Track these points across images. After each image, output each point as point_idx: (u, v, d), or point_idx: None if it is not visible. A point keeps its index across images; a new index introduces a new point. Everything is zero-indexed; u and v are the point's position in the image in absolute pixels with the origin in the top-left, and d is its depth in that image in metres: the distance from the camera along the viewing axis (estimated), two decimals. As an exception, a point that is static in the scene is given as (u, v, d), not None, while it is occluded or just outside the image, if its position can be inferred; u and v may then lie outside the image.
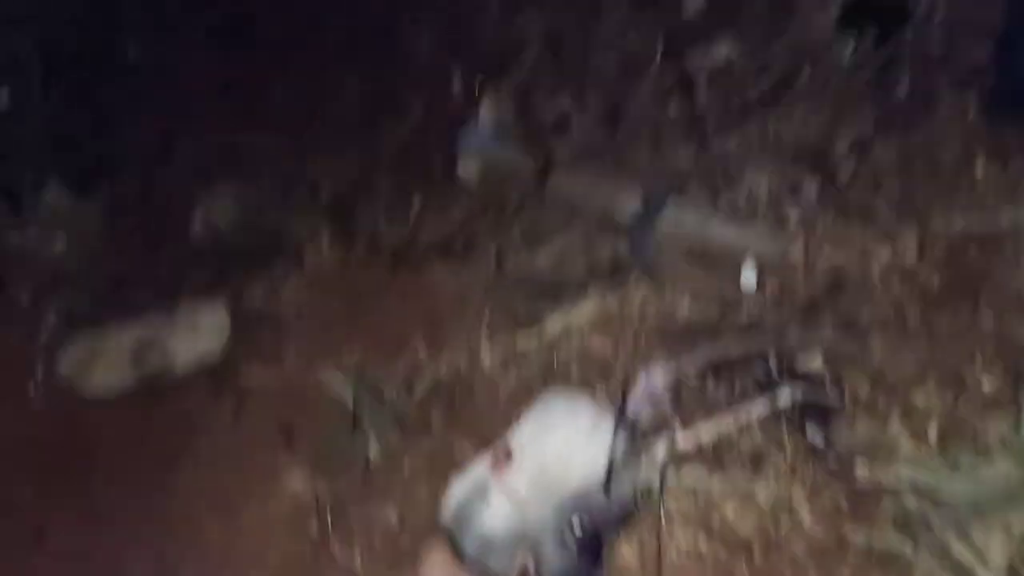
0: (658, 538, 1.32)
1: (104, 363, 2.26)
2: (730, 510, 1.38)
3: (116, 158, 3.00)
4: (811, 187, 1.89)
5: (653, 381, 1.15)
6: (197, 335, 2.31)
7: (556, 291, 1.93)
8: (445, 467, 1.57)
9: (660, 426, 1.21)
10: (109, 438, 2.07)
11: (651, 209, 1.87)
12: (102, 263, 2.67)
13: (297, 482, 1.76)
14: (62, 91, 3.11)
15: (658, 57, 2.42)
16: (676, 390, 1.31)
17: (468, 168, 2.51)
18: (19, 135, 2.93)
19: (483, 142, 2.50)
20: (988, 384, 1.45)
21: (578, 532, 1.05)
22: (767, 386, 1.54)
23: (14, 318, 2.53)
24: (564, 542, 1.03)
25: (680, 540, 1.36)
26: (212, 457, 1.93)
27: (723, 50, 2.41)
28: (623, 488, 1.11)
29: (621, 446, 1.10)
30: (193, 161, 2.95)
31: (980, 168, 1.77)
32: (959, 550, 1.23)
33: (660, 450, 1.49)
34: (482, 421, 1.72)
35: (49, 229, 2.67)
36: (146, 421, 2.10)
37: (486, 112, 2.62)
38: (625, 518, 1.14)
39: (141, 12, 3.42)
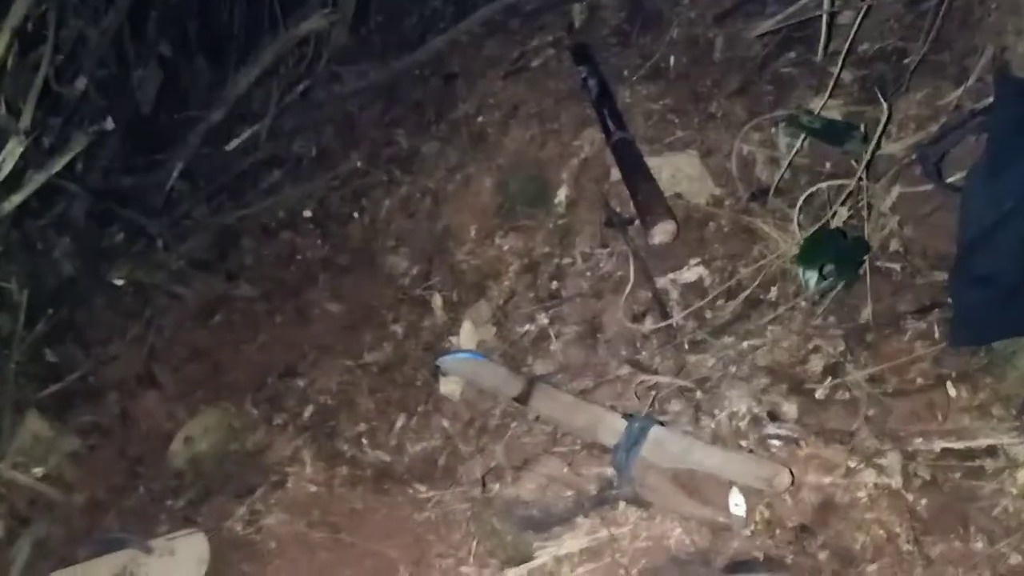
0: None
1: (77, 598, 2.17)
2: None
3: (97, 385, 3.01)
4: (790, 409, 1.94)
5: None
6: (174, 565, 2.24)
7: (545, 522, 1.92)
8: None
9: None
10: None
11: (633, 435, 1.90)
12: (77, 492, 2.62)
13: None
14: (47, 319, 3.17)
15: (631, 276, 2.53)
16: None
17: (450, 386, 2.55)
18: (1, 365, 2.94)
19: (464, 362, 2.55)
20: (988, 611, 1.45)
21: None
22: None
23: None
24: None
25: None
26: None
27: (692, 270, 2.55)
28: None
29: None
30: (175, 386, 2.98)
31: (951, 390, 1.84)
32: None
33: None
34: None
35: (27, 458, 2.62)
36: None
37: (466, 332, 2.70)
38: None
39: (128, 236, 3.58)
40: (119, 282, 3.25)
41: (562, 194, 2.89)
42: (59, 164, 2.84)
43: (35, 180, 2.80)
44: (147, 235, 3.49)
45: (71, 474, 2.64)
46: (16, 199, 2.78)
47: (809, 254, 2.08)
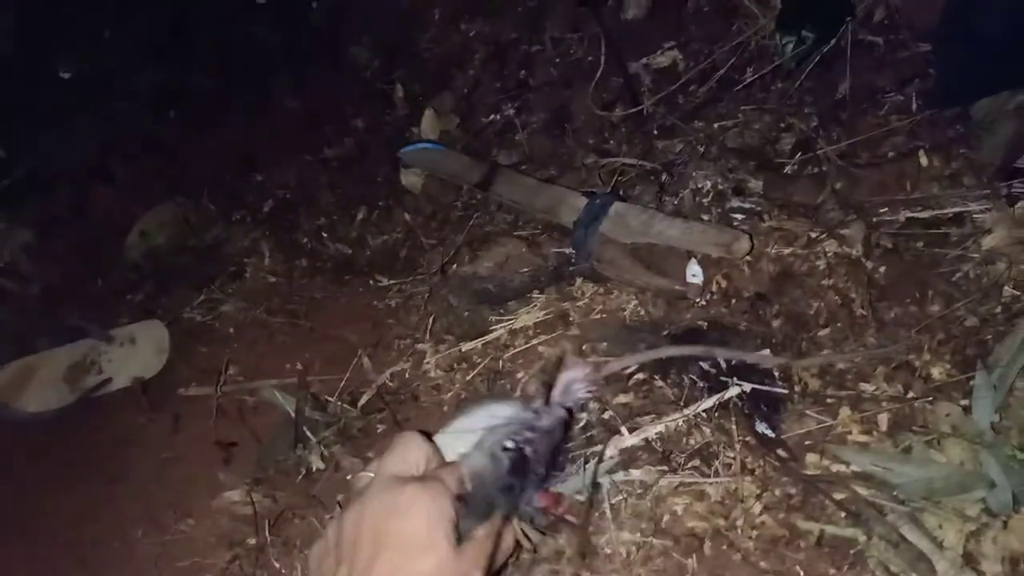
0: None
1: (39, 382, 2.19)
2: (680, 506, 1.33)
3: (49, 176, 2.90)
4: (756, 185, 1.87)
5: (572, 374, 1.12)
6: (135, 352, 2.23)
7: (501, 296, 1.89)
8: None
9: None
10: (44, 455, 1.99)
11: (594, 211, 1.83)
12: (34, 283, 2.57)
13: (236, 495, 1.68)
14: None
15: (602, 61, 2.40)
16: (603, 382, 1.24)
17: (411, 178, 2.46)
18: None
19: (426, 153, 2.45)
20: (937, 371, 1.43)
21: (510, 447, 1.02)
22: (715, 381, 1.50)
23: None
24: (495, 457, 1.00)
25: (628, 535, 1.30)
26: (150, 473, 1.84)
27: (666, 54, 2.42)
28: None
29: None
30: (129, 178, 2.88)
31: (923, 159, 1.76)
32: (914, 536, 1.19)
33: (609, 448, 1.46)
34: (428, 428, 1.66)
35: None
36: (82, 436, 2.02)
37: (428, 122, 2.59)
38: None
39: (73, 25, 3.36)
40: (66, 75, 3.07)
41: (532, -28, 2.70)
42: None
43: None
44: (96, 21, 3.25)
45: (26, 265, 2.59)
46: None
47: (788, 17, 1.94)
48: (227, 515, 1.68)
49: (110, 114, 3.00)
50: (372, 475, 0.91)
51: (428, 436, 0.99)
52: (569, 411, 1.09)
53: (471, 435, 1.04)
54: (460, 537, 0.84)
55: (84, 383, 2.17)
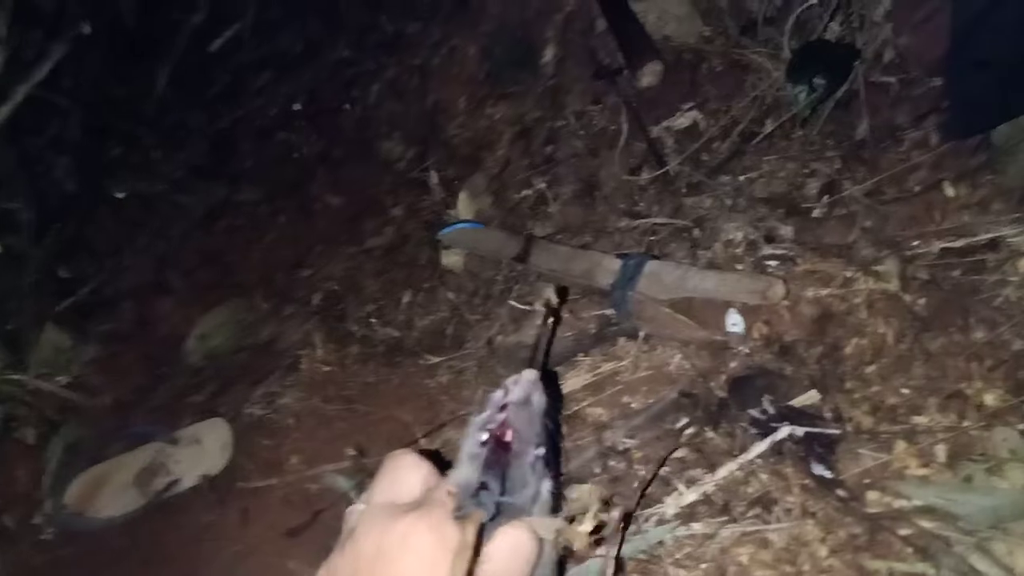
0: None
1: (109, 490, 2.25)
2: (745, 556, 1.34)
3: (111, 293, 3.05)
4: (787, 231, 1.90)
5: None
6: (200, 452, 2.29)
7: (548, 363, 1.93)
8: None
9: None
10: (118, 558, 2.05)
11: (629, 271, 1.88)
12: (103, 396, 2.68)
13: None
14: (55, 235, 3.19)
15: (624, 129, 2.48)
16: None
17: (452, 258, 2.54)
18: (15, 282, 2.98)
19: (464, 233, 2.53)
20: (990, 397, 1.43)
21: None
22: (766, 426, 1.52)
23: (20, 457, 2.52)
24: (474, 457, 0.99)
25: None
26: (223, 567, 1.89)
27: (686, 115, 2.48)
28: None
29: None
30: (186, 288, 3.01)
31: (949, 190, 1.78)
32: (984, 566, 1.18)
33: (668, 507, 1.48)
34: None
35: (50, 368, 2.68)
36: (155, 537, 2.07)
37: (464, 203, 2.67)
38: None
39: (125, 148, 3.57)
40: (120, 195, 3.25)
41: (549, 53, 2.80)
42: (41, 72, 2.81)
43: (19, 91, 2.77)
44: (144, 146, 3.46)
45: (94, 379, 2.69)
46: (4, 111, 2.76)
47: (797, 68, 2.00)
48: (300, 602, 1.72)
49: (164, 231, 3.16)
50: (364, 506, 0.89)
51: (432, 454, 0.98)
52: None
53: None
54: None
55: (154, 485, 2.23)
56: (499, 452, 0.98)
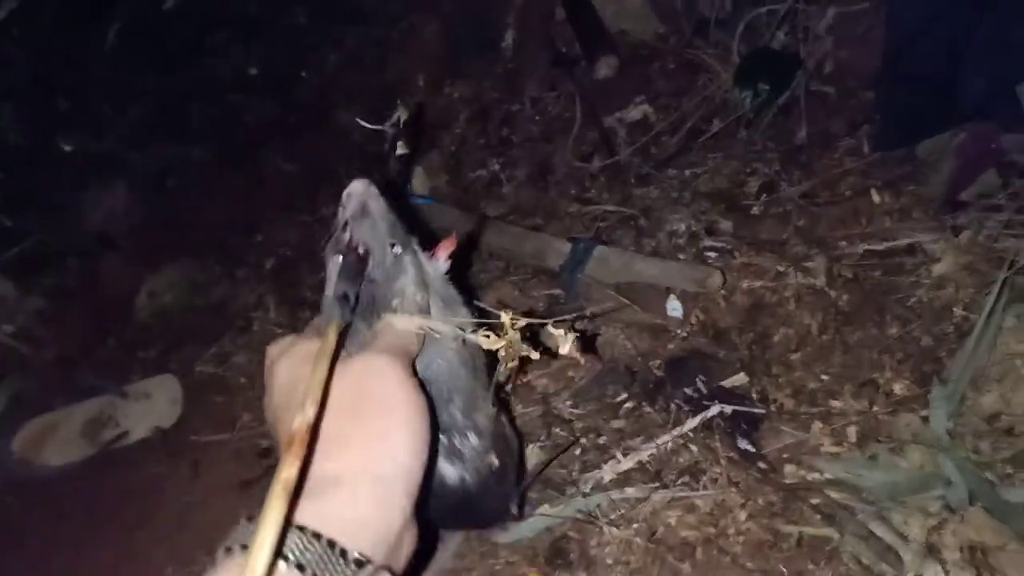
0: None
1: (57, 439, 2.28)
2: (673, 518, 1.47)
3: (57, 247, 3.04)
4: (726, 225, 2.04)
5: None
6: (150, 406, 2.34)
7: (498, 336, 2.03)
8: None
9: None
10: (66, 506, 2.08)
11: (578, 255, 1.99)
12: (48, 348, 2.69)
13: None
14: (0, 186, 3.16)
15: (578, 117, 2.59)
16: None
17: (406, 233, 2.62)
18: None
19: (419, 209, 2.61)
20: (899, 387, 1.58)
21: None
22: (698, 404, 1.65)
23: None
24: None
25: (626, 546, 1.44)
26: (173, 518, 1.94)
27: (638, 108, 2.60)
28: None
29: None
30: (135, 246, 3.01)
31: (875, 196, 1.95)
32: (881, 532, 1.33)
33: (606, 472, 1.60)
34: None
35: (-4, 317, 2.68)
36: (103, 487, 2.11)
37: (419, 179, 2.75)
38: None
39: (72, 107, 3.53)
40: (68, 148, 3.23)
41: (509, 37, 2.90)
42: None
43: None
44: (93, 102, 3.43)
45: (39, 331, 2.71)
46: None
47: (744, 73, 2.14)
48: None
49: (112, 187, 3.15)
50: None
51: None
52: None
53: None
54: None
55: (103, 436, 2.27)
56: (357, 265, 1.01)
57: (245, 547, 0.64)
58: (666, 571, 1.40)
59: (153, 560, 1.87)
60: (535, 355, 0.97)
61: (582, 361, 1.07)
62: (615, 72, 2.56)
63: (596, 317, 1.94)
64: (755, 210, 2.09)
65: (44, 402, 2.45)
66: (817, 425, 1.55)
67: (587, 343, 1.81)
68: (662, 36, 2.74)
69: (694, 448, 1.58)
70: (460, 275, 1.15)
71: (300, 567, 0.65)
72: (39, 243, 2.99)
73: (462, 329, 0.98)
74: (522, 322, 0.96)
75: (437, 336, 0.97)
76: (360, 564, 0.68)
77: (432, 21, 3.03)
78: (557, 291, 2.07)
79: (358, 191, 1.07)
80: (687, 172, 2.33)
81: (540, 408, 1.77)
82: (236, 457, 2.02)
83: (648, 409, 1.69)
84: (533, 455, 1.67)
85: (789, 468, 1.50)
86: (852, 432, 1.52)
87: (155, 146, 3.38)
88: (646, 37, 2.71)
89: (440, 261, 1.09)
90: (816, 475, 1.47)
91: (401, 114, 1.41)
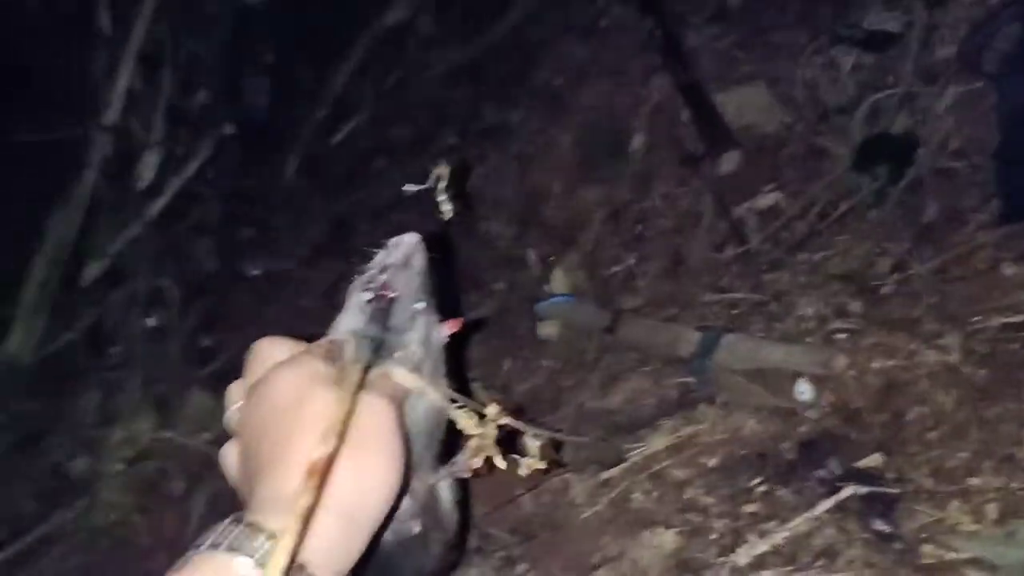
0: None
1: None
2: (808, 602, 1.49)
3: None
4: (856, 306, 2.06)
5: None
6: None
7: (632, 428, 2.12)
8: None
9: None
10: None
11: (708, 343, 2.07)
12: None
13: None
14: (197, 310, 3.59)
15: (709, 210, 2.69)
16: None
17: (548, 329, 2.77)
18: (164, 351, 3.38)
19: (559, 306, 2.77)
20: (1041, 463, 1.55)
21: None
22: (832, 485, 1.67)
23: (168, 507, 2.85)
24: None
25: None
26: None
27: (768, 196, 2.67)
28: None
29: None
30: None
31: (1008, 269, 1.92)
32: (1022, 612, 1.31)
33: (741, 557, 1.64)
34: (572, 550, 1.89)
35: (195, 426, 3.01)
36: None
37: (559, 278, 2.92)
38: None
39: (257, 230, 3.99)
40: (254, 273, 3.64)
41: (637, 141, 3.06)
42: (191, 169, 3.24)
43: (173, 185, 3.21)
44: (273, 229, 3.87)
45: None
46: (159, 204, 3.19)
47: (861, 158, 2.18)
48: None
49: (292, 303, 3.52)
50: (236, 407, 0.93)
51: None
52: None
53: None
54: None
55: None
56: (381, 309, 1.02)
57: (215, 546, 0.70)
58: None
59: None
60: (501, 462, 0.98)
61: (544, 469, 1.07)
62: (737, 165, 2.66)
63: (727, 403, 2.00)
64: (885, 290, 2.10)
65: (238, 504, 2.72)
66: (955, 503, 1.54)
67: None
68: (787, 125, 2.81)
69: (829, 530, 1.60)
70: (454, 355, 1.17)
71: None
72: (231, 358, 3.36)
73: (453, 401, 1.00)
74: (504, 420, 0.99)
75: (422, 397, 1.00)
76: None
77: (566, 133, 3.25)
78: (689, 379, 2.14)
79: (410, 242, 1.09)
80: (817, 255, 2.36)
81: (674, 494, 1.84)
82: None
83: (781, 492, 1.72)
84: (668, 541, 1.73)
85: (927, 548, 1.49)
86: (991, 509, 1.50)
87: (327, 264, 3.74)
88: (771, 129, 2.79)
89: (443, 333, 1.10)
90: (954, 554, 1.46)
91: (441, 173, 1.36)
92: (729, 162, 2.62)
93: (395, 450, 0.83)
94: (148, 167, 3.08)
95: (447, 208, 1.33)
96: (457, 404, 1.00)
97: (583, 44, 3.53)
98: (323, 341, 0.96)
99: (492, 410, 1.00)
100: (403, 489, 0.87)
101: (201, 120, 3.63)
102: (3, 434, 3.17)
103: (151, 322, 3.34)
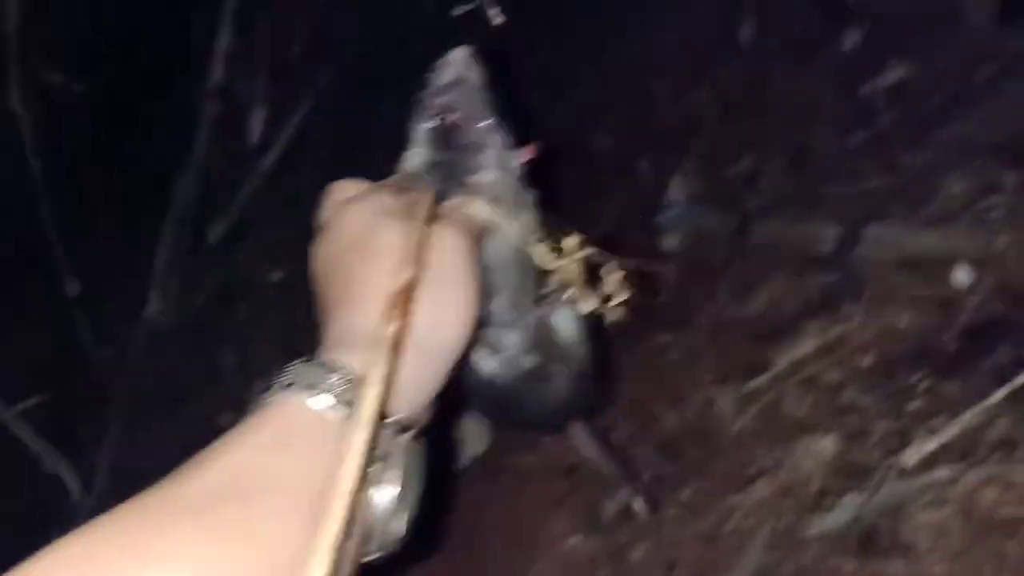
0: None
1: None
2: (990, 496, 1.41)
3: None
4: (1009, 179, 1.90)
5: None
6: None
7: (775, 333, 2.04)
8: (702, 504, 1.71)
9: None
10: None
11: (849, 236, 1.95)
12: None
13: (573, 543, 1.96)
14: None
15: (831, 93, 2.52)
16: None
17: (671, 241, 2.69)
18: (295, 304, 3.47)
19: (680, 214, 2.68)
20: None
21: None
22: (1003, 373, 1.56)
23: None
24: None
25: (941, 529, 1.40)
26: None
27: (893, 72, 2.48)
28: None
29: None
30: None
31: None
32: None
33: (910, 457, 1.56)
34: (722, 466, 1.86)
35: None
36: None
37: (678, 186, 2.82)
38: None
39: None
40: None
41: (746, 31, 2.89)
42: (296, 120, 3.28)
43: (281, 140, 3.26)
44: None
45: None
46: (271, 158, 3.25)
47: (1004, 12, 1.98)
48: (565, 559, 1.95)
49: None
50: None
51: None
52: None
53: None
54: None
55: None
56: (445, 132, 0.97)
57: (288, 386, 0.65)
58: (989, 552, 1.35)
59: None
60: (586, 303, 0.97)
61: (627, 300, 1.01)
62: (861, 40, 2.47)
63: (876, 298, 1.89)
64: (1042, 159, 1.92)
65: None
66: None
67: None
68: (909, -10, 2.58)
69: (1004, 420, 1.50)
70: (539, 183, 1.08)
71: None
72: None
73: (530, 233, 0.95)
74: (584, 251, 0.95)
75: (501, 229, 0.95)
76: (404, 429, 0.69)
77: (669, 31, 3.10)
78: (830, 277, 2.04)
79: (458, 58, 1.00)
80: (958, 129, 2.18)
81: (828, 399, 1.77)
82: (546, 475, 2.20)
83: (947, 386, 1.62)
84: (828, 447, 1.67)
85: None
86: None
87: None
88: (891, -3, 2.57)
89: (519, 159, 1.02)
90: None
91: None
92: (850, 38, 2.42)
93: (469, 281, 0.78)
94: (257, 121, 3.13)
95: (494, 12, 1.25)
96: (535, 236, 0.96)
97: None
98: (393, 177, 0.91)
99: (570, 242, 0.95)
100: (480, 323, 0.81)
101: (302, 70, 3.62)
102: (154, 395, 3.32)
103: (275, 276, 3.42)
